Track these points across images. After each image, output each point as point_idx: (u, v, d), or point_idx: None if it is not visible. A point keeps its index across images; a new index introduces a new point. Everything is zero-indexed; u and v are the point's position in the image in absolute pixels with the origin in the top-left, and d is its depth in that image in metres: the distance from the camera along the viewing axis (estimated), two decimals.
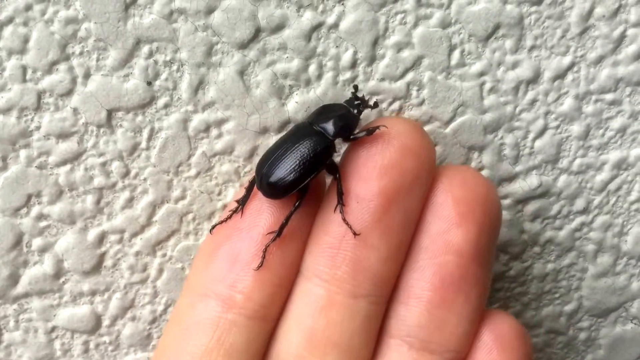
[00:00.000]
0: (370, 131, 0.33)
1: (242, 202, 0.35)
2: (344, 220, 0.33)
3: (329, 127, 0.34)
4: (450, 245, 0.34)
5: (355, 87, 0.37)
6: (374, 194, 0.33)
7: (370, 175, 0.33)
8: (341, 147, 0.36)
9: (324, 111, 0.35)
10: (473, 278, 0.34)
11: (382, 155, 0.33)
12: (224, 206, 0.39)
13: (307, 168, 0.34)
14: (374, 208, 0.33)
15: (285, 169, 0.34)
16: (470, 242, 0.34)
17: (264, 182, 0.34)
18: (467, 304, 0.34)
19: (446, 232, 0.34)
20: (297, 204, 0.34)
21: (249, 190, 0.35)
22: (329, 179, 0.35)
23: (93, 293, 0.40)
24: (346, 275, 0.34)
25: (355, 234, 0.33)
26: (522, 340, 0.35)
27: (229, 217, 0.35)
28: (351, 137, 0.34)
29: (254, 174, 0.35)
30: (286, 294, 0.35)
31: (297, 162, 0.34)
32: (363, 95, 0.36)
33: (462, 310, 0.34)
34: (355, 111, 0.35)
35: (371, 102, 0.36)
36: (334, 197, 0.34)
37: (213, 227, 0.36)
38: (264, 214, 0.35)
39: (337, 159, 0.35)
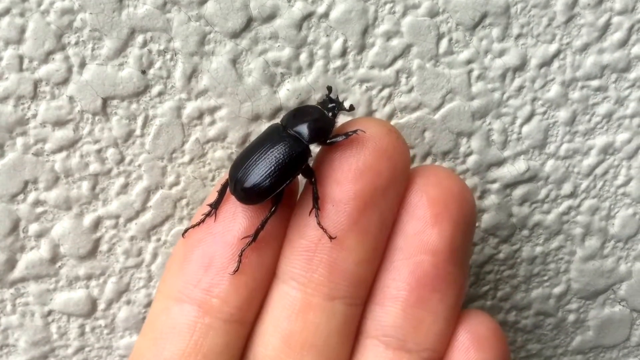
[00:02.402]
0: (347, 135, 0.33)
1: (215, 206, 0.35)
2: (319, 224, 0.33)
3: (304, 131, 0.34)
4: (425, 244, 0.34)
5: (329, 88, 0.36)
6: (349, 197, 0.33)
7: (346, 178, 0.33)
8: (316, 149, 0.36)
9: (298, 114, 0.35)
10: (449, 277, 0.34)
11: (357, 158, 0.33)
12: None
13: (282, 174, 0.34)
14: (350, 211, 0.33)
15: (259, 175, 0.33)
16: (445, 241, 0.34)
17: (238, 188, 0.34)
18: (443, 302, 0.34)
19: (421, 232, 0.34)
20: (272, 209, 0.34)
21: (221, 193, 0.35)
22: (303, 180, 0.35)
23: (89, 277, 0.41)
24: (322, 278, 0.34)
25: (331, 237, 0.33)
26: (498, 339, 0.36)
27: (202, 220, 0.35)
28: (327, 141, 0.34)
29: (225, 177, 0.35)
30: (262, 297, 0.35)
31: (272, 167, 0.33)
32: (337, 97, 0.36)
33: (438, 309, 0.34)
34: (330, 114, 0.35)
35: (346, 105, 0.36)
36: (309, 200, 0.34)
37: (185, 230, 0.35)
38: (238, 218, 0.34)
39: (311, 161, 0.35)
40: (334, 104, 0.35)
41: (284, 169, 0.34)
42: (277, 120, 0.37)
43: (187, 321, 0.34)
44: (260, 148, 0.34)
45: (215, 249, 0.34)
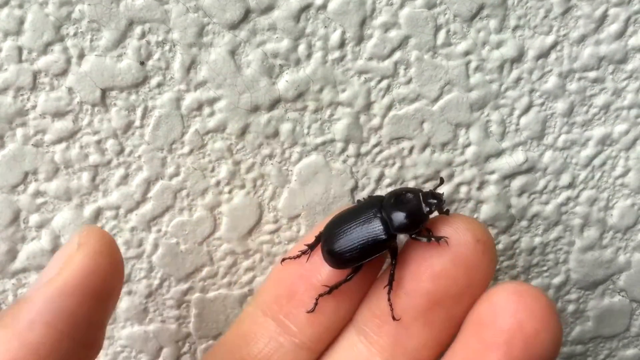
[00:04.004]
0: (430, 239, 0.34)
1: (311, 248, 0.38)
2: (389, 301, 0.35)
3: (395, 220, 0.35)
4: None
5: (441, 180, 0.38)
6: (421, 294, 0.35)
7: (422, 275, 0.35)
8: None
9: (398, 201, 0.36)
10: None
11: (437, 261, 0.34)
12: (217, 183, 0.40)
13: (363, 252, 0.36)
14: (418, 305, 0.35)
15: (344, 246, 0.36)
16: None
17: (325, 249, 0.36)
18: None
19: (482, 352, 0.33)
20: (348, 277, 0.36)
21: (317, 240, 0.37)
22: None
23: None
24: (386, 345, 0.36)
25: (394, 318, 0.35)
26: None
27: (299, 256, 0.38)
28: (412, 235, 0.35)
29: (321, 228, 0.37)
30: (335, 334, 0.38)
31: (356, 244, 0.36)
32: (442, 196, 0.36)
33: None
34: (427, 209, 0.35)
35: (445, 208, 0.36)
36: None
37: (283, 259, 0.38)
38: (326, 267, 0.37)
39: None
40: (435, 201, 0.35)
41: (367, 248, 0.36)
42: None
43: (267, 332, 0.38)
44: (355, 219, 0.36)
45: (300, 285, 0.38)
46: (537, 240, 0.44)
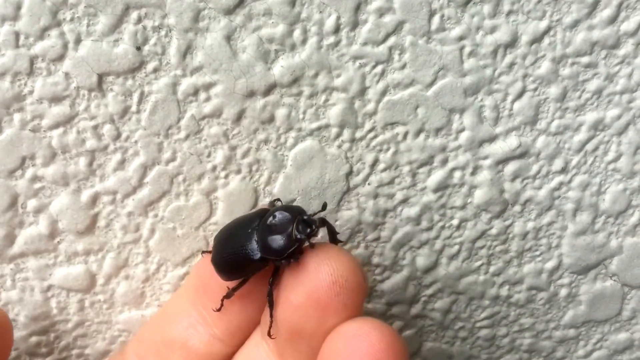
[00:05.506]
0: (290, 262, 0.34)
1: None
2: (270, 317, 0.35)
3: (264, 244, 0.34)
4: None
5: (324, 206, 0.36)
6: (284, 322, 0.34)
7: (283, 305, 0.34)
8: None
9: (274, 218, 0.35)
10: None
11: (295, 293, 0.34)
12: (213, 168, 0.40)
13: (241, 269, 0.36)
14: (285, 332, 0.34)
15: (224, 260, 0.36)
16: None
17: (212, 259, 0.37)
18: None
19: None
20: (236, 286, 0.37)
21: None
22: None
23: (87, 253, 0.41)
24: (280, 353, 0.36)
25: (269, 335, 0.36)
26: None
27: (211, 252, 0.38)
28: (279, 260, 0.34)
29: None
30: (248, 332, 0.39)
31: (233, 260, 0.36)
32: (316, 223, 0.34)
33: None
34: (298, 236, 0.33)
35: (315, 239, 0.34)
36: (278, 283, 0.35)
37: (203, 252, 0.40)
38: None
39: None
40: (309, 229, 0.34)
41: (242, 265, 0.35)
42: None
43: (187, 318, 0.39)
44: (237, 232, 0.36)
45: (212, 281, 0.38)
46: (530, 225, 0.45)
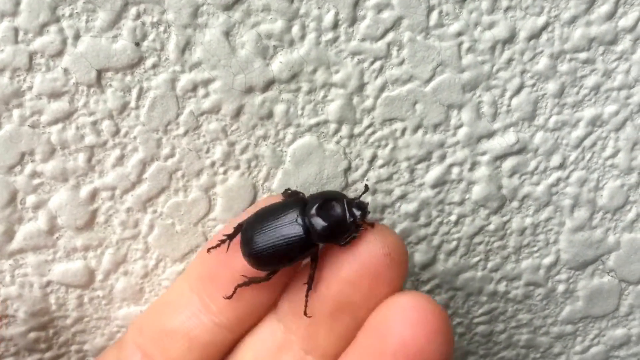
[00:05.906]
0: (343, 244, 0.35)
1: (230, 238, 0.37)
2: (306, 298, 0.36)
3: (319, 230, 0.35)
4: None
5: (366, 188, 0.38)
6: (328, 298, 0.36)
7: (330, 280, 0.36)
8: None
9: (322, 206, 0.35)
10: None
11: (345, 268, 0.35)
12: (212, 164, 0.40)
13: (287, 260, 0.36)
14: (327, 307, 0.36)
15: (263, 250, 0.36)
16: None
17: (244, 250, 0.36)
18: None
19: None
20: (267, 277, 0.37)
21: (236, 230, 0.37)
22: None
23: (86, 248, 0.41)
24: (302, 336, 0.37)
25: (306, 314, 0.36)
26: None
27: (219, 245, 0.38)
28: (340, 243, 0.35)
29: (245, 216, 0.37)
30: (256, 319, 0.39)
31: (276, 249, 0.35)
32: (367, 206, 0.36)
33: None
34: (351, 219, 0.35)
35: (369, 218, 0.36)
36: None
37: (209, 249, 0.38)
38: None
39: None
40: (360, 212, 0.35)
41: (288, 254, 0.36)
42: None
43: (190, 307, 0.39)
44: (276, 221, 0.36)
45: (221, 270, 0.38)
46: (528, 220, 0.45)
